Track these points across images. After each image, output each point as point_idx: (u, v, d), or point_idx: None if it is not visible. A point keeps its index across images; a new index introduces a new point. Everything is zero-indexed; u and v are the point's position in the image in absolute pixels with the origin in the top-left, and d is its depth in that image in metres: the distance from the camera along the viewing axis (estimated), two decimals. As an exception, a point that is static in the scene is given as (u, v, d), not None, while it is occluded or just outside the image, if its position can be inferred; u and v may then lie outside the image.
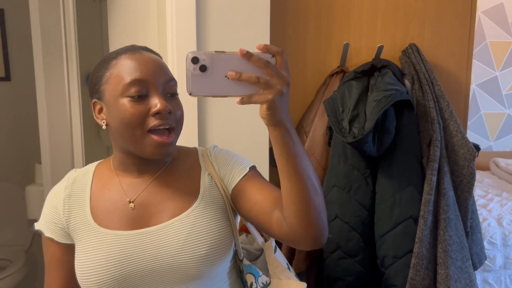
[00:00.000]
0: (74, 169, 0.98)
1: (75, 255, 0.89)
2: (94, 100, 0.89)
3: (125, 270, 0.84)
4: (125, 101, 0.82)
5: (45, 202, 0.95)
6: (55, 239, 0.92)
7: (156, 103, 0.82)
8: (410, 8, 1.72)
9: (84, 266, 0.85)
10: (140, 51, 0.86)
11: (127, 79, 0.82)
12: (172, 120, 0.85)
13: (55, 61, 2.19)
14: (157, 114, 0.82)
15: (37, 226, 0.95)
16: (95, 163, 0.99)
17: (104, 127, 0.88)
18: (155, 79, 0.84)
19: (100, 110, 0.88)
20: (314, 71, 1.72)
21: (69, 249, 0.92)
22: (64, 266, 0.93)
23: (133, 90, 0.82)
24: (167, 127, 0.84)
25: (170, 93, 0.86)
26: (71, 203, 0.91)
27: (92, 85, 0.89)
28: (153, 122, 0.82)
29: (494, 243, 2.01)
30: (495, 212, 2.20)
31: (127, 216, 0.88)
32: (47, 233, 0.93)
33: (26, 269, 2.68)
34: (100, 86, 0.86)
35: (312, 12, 1.69)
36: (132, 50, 0.86)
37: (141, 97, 0.82)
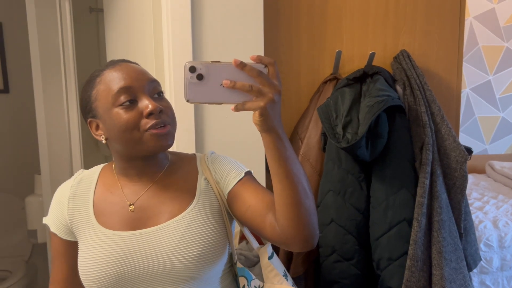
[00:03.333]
0: (81, 170, 1.04)
1: (79, 252, 0.93)
2: (89, 119, 0.93)
3: (122, 269, 0.88)
4: (118, 110, 0.86)
5: (53, 197, 1.00)
6: (58, 235, 0.98)
7: (146, 104, 0.86)
8: (400, 15, 1.76)
9: (85, 263, 0.90)
10: (120, 63, 0.91)
11: (115, 89, 0.87)
12: (165, 117, 0.88)
13: (53, 72, 2.22)
14: (150, 114, 0.86)
15: (45, 220, 1.00)
16: (101, 165, 1.04)
17: (104, 141, 0.92)
18: (139, 84, 0.88)
19: (97, 127, 0.92)
20: (308, 78, 1.75)
21: (71, 245, 0.98)
22: (67, 260, 0.99)
23: (122, 98, 0.86)
24: (162, 125, 0.87)
25: (156, 93, 0.90)
26: (75, 202, 0.96)
27: (83, 107, 0.94)
28: (148, 123, 0.86)
29: (491, 245, 2.02)
30: (491, 214, 2.22)
31: (127, 218, 0.92)
32: (52, 228, 0.98)
33: (26, 280, 2.68)
34: (91, 105, 0.91)
35: (304, 22, 1.72)
36: (112, 64, 0.91)
37: (131, 103, 0.86)
